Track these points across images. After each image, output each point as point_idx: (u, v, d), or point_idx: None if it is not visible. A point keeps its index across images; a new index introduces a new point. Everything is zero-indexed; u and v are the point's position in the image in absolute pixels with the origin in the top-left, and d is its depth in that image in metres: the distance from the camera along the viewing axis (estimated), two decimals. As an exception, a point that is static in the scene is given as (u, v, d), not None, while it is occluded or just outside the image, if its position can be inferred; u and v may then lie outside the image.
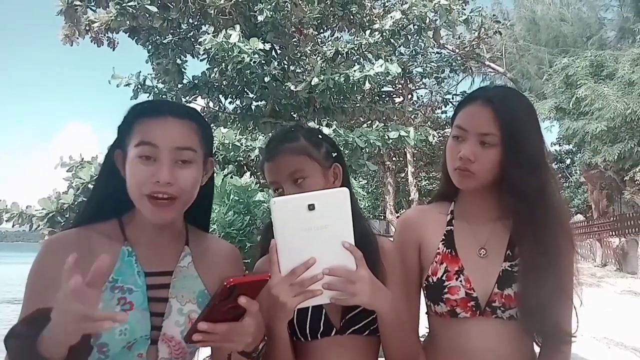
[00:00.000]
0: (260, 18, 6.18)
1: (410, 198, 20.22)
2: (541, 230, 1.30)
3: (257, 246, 1.45)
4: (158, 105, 1.17)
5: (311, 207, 0.98)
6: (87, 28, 8.75)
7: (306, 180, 1.29)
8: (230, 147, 5.90)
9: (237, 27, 5.99)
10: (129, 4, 6.39)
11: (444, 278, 1.35)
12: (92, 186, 1.26)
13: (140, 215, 1.15)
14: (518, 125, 1.31)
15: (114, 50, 9.58)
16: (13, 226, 5.78)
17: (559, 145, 27.27)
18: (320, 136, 1.39)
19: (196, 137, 1.15)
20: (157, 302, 1.13)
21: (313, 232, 0.99)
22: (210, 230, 4.92)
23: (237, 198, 4.06)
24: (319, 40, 8.27)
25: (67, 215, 5.55)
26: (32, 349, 0.86)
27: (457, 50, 17.43)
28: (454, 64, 17.16)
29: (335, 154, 1.38)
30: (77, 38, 9.23)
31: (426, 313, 1.43)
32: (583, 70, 13.50)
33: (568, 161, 28.20)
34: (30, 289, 1.08)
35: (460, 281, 1.34)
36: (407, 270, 1.38)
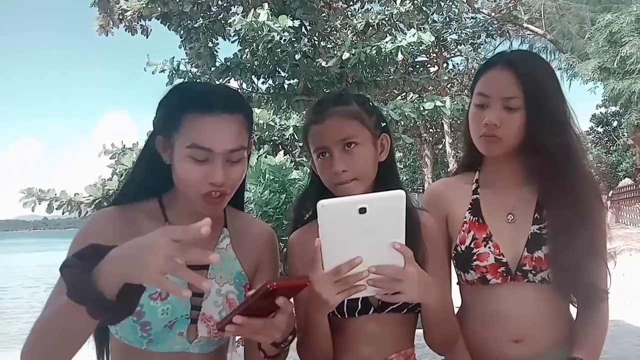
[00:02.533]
0: (288, -5, 6.15)
1: (448, 170, 19.87)
2: (569, 188, 1.29)
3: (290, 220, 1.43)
4: (208, 98, 1.11)
5: (362, 211, 0.93)
6: (121, 17, 8.93)
7: (357, 147, 1.23)
8: (264, 127, 5.95)
9: (266, 5, 5.97)
10: (159, -11, 6.46)
11: (472, 246, 1.34)
12: (132, 167, 1.27)
13: (180, 197, 1.16)
14: (540, 87, 1.31)
15: (147, 37, 9.75)
16: (63, 213, 6.05)
17: (605, 108, 26.10)
18: (371, 104, 1.35)
19: (245, 131, 1.14)
20: None
21: (361, 233, 0.95)
22: (247, 210, 4.95)
23: (272, 177, 4.11)
24: (349, 13, 8.14)
25: (113, 201, 5.75)
26: (86, 279, 0.89)
27: (493, 14, 16.82)
28: (490, 28, 16.61)
29: (384, 124, 1.34)
30: (112, 28, 9.45)
31: (457, 284, 1.42)
32: (628, 27, 12.77)
33: (615, 123, 26.95)
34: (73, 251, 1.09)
35: (489, 247, 1.32)
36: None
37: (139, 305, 1.07)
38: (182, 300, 1.12)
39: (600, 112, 27.08)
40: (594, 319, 1.33)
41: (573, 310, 1.38)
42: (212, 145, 1.08)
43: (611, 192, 19.30)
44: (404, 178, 24.71)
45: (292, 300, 1.03)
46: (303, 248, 1.03)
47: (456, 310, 1.38)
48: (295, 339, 1.20)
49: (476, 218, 1.38)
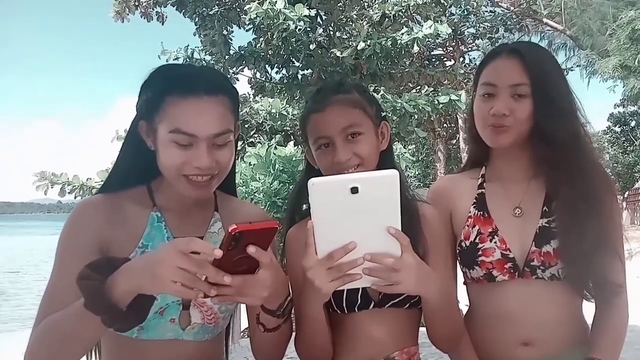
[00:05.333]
0: (304, -17, 6.07)
1: (462, 165, 19.70)
2: (579, 178, 1.25)
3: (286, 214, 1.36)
4: (190, 81, 1.07)
5: (354, 190, 0.90)
6: (136, 3, 8.95)
7: (361, 136, 1.20)
8: (277, 117, 5.90)
9: (282, -7, 5.92)
10: (175, -24, 6.43)
11: (477, 241, 1.30)
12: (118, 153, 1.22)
13: (169, 182, 1.13)
14: (546, 74, 1.29)
15: (163, 24, 9.75)
16: (75, 197, 6.09)
17: (623, 107, 25.66)
18: (370, 93, 1.33)
19: (230, 113, 1.11)
20: None
21: (355, 216, 0.91)
22: (256, 200, 4.90)
23: (281, 168, 4.11)
24: (365, 4, 8.04)
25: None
26: (103, 291, 0.90)
27: (512, 8, 16.55)
28: (508, 22, 16.34)
29: (383, 113, 1.33)
30: (127, 14, 9.47)
31: (464, 283, 1.38)
32: (652, 24, 12.52)
33: (633, 123, 26.47)
34: (65, 249, 1.11)
35: (495, 242, 1.28)
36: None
37: None
38: None
39: (618, 112, 26.62)
40: (610, 315, 1.28)
41: (586, 309, 1.33)
42: (195, 129, 1.05)
43: (627, 192, 19.04)
44: (416, 172, 24.55)
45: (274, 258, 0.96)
46: (301, 243, 0.97)
47: (465, 310, 1.34)
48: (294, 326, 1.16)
49: (481, 212, 1.33)
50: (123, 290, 0.91)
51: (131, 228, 1.13)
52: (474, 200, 1.36)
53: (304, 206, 1.31)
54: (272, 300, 1.01)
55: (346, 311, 1.20)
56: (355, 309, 1.19)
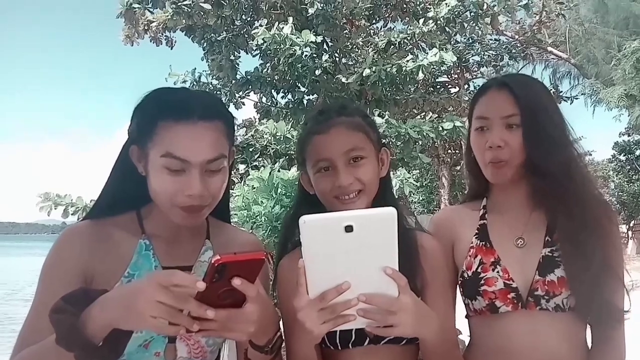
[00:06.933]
0: (311, 11, 6.17)
1: (466, 192, 19.62)
2: (575, 207, 1.25)
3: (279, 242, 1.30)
4: (185, 105, 1.04)
5: (349, 229, 0.85)
6: (146, 28, 9.09)
7: (363, 160, 1.17)
8: (282, 140, 5.91)
9: (290, 19, 6.02)
10: (184, 2, 6.55)
11: (479, 270, 1.28)
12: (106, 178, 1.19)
13: (159, 209, 1.10)
14: (535, 104, 1.30)
15: (172, 49, 9.91)
16: (78, 219, 6.07)
17: (628, 135, 25.60)
18: (371, 118, 1.31)
19: (225, 139, 1.09)
20: None
21: (349, 255, 0.86)
22: (258, 223, 4.82)
23: (284, 192, 4.06)
24: (371, 31, 8.16)
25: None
26: (76, 326, 0.87)
27: (516, 36, 16.72)
28: (513, 51, 16.49)
29: (384, 140, 1.32)
30: (137, 38, 9.63)
31: (466, 317, 1.35)
32: (656, 54, 12.61)
33: (638, 152, 26.40)
34: (48, 277, 1.07)
35: (497, 272, 1.26)
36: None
37: None
38: None
39: (623, 140, 26.59)
40: (610, 341, 1.26)
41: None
42: (188, 155, 1.02)
43: (633, 222, 18.87)
44: (420, 198, 24.48)
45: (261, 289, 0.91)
46: (293, 273, 0.93)
47: (467, 341, 1.31)
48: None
49: (483, 243, 1.33)
50: (98, 325, 0.86)
51: (118, 256, 1.10)
52: (476, 231, 1.35)
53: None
54: (260, 336, 0.97)
55: (340, 347, 1.15)
56: (350, 345, 1.15)
